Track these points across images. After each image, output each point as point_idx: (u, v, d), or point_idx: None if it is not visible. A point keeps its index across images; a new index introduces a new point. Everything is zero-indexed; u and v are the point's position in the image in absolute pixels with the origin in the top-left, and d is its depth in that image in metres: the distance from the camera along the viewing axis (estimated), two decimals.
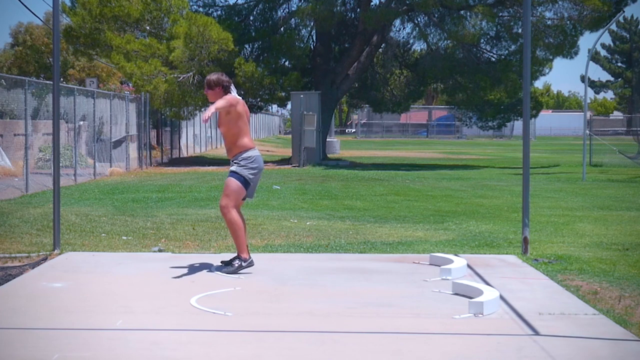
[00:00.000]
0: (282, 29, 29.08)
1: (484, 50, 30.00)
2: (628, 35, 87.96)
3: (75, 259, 7.94)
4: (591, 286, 6.83)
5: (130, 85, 28.98)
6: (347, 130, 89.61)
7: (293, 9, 29.53)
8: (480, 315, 5.69)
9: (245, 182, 7.18)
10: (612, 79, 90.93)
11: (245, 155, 7.19)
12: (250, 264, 7.24)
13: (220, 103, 7.02)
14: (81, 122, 21.45)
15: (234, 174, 7.19)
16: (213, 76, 7.25)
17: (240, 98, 7.30)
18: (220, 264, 7.44)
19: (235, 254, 7.35)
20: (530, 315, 5.68)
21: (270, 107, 57.51)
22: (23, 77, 19.51)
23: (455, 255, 7.93)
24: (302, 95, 27.34)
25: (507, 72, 28.68)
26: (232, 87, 7.30)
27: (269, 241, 9.43)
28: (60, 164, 10.00)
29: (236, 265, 7.22)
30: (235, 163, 7.23)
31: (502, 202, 14.64)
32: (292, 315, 5.75)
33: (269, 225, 10.93)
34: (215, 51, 25.30)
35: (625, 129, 60.90)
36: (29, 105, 16.83)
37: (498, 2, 27.97)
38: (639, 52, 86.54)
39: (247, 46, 28.97)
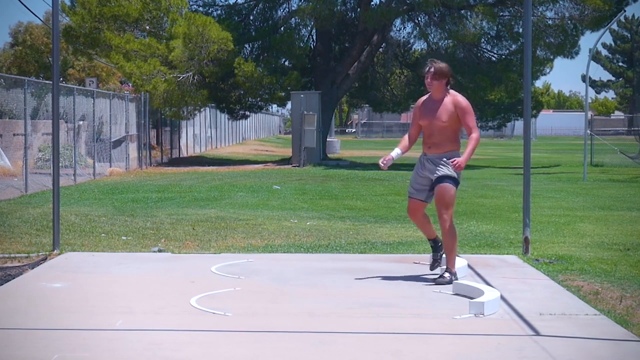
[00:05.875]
0: (282, 28, 29.06)
1: (485, 50, 29.98)
2: (629, 35, 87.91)
3: (75, 259, 7.92)
4: (592, 286, 6.81)
5: (130, 85, 28.98)
6: (347, 130, 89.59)
7: (293, 8, 29.50)
8: (481, 316, 5.67)
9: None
10: (613, 78, 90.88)
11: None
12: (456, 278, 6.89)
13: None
14: (81, 122, 21.43)
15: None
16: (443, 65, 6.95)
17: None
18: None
19: None
20: (531, 316, 5.66)
21: (270, 107, 57.49)
22: (22, 77, 19.49)
23: (456, 255, 7.89)
24: (302, 95, 27.31)
25: (508, 71, 28.66)
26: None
27: (269, 241, 9.41)
28: (60, 164, 9.98)
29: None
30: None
31: (502, 202, 14.62)
32: (292, 315, 5.74)
33: (269, 225, 10.92)
34: (214, 51, 25.29)
35: (626, 128, 60.86)
36: (28, 105, 16.81)
37: (499, 2, 27.95)
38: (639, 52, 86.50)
39: (246, 46, 28.95)
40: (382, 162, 7.07)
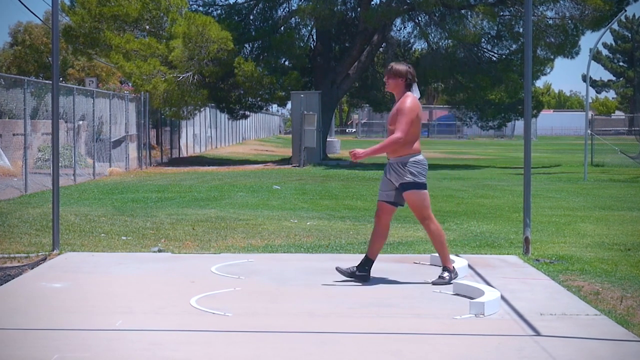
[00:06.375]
0: (282, 28, 29.06)
1: (485, 50, 29.98)
2: (630, 35, 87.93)
3: (75, 259, 7.91)
4: (593, 286, 6.81)
5: (130, 84, 28.98)
6: (347, 130, 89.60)
7: (293, 8, 29.51)
8: (481, 316, 5.67)
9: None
10: (613, 78, 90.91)
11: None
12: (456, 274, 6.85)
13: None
14: (80, 122, 21.43)
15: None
16: (402, 66, 6.82)
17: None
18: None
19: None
20: (531, 316, 5.66)
21: (270, 107, 57.52)
22: (22, 77, 19.47)
23: (456, 255, 7.90)
24: (302, 95, 27.31)
25: (508, 71, 28.67)
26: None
27: (269, 241, 9.40)
28: (60, 164, 9.97)
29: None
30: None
31: (503, 202, 14.61)
32: (292, 315, 5.73)
33: (269, 225, 10.91)
34: (214, 50, 25.29)
35: (626, 128, 60.90)
36: (28, 105, 16.80)
37: (499, 2, 27.95)
38: None
39: (247, 45, 28.95)
40: None
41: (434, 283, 6.77)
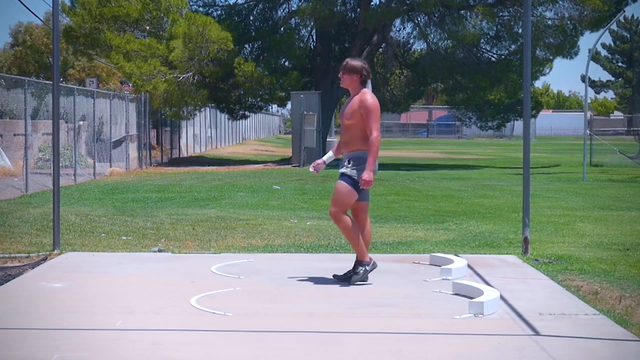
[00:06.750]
0: (282, 28, 29.08)
1: (484, 50, 30.00)
2: (628, 35, 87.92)
3: (75, 259, 7.92)
4: (592, 286, 6.82)
5: (130, 85, 28.99)
6: None
7: (293, 8, 29.53)
8: (481, 316, 5.68)
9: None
10: (612, 78, 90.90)
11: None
12: (374, 266, 6.83)
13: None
14: (81, 122, 21.45)
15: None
16: (357, 62, 6.79)
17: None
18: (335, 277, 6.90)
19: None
20: (530, 316, 5.67)
21: (270, 107, 57.51)
22: (23, 77, 19.49)
23: (456, 255, 7.92)
24: (302, 95, 27.32)
25: (507, 72, 28.69)
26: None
27: (269, 241, 9.42)
28: (60, 164, 9.99)
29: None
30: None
31: (502, 202, 14.63)
32: (292, 315, 5.74)
33: (269, 225, 10.92)
34: (214, 51, 25.31)
35: (625, 128, 60.89)
36: (28, 105, 16.82)
37: (498, 2, 27.97)
38: (639, 52, 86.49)
39: (246, 46, 28.97)
40: (312, 167, 7.04)
41: (352, 282, 6.69)
